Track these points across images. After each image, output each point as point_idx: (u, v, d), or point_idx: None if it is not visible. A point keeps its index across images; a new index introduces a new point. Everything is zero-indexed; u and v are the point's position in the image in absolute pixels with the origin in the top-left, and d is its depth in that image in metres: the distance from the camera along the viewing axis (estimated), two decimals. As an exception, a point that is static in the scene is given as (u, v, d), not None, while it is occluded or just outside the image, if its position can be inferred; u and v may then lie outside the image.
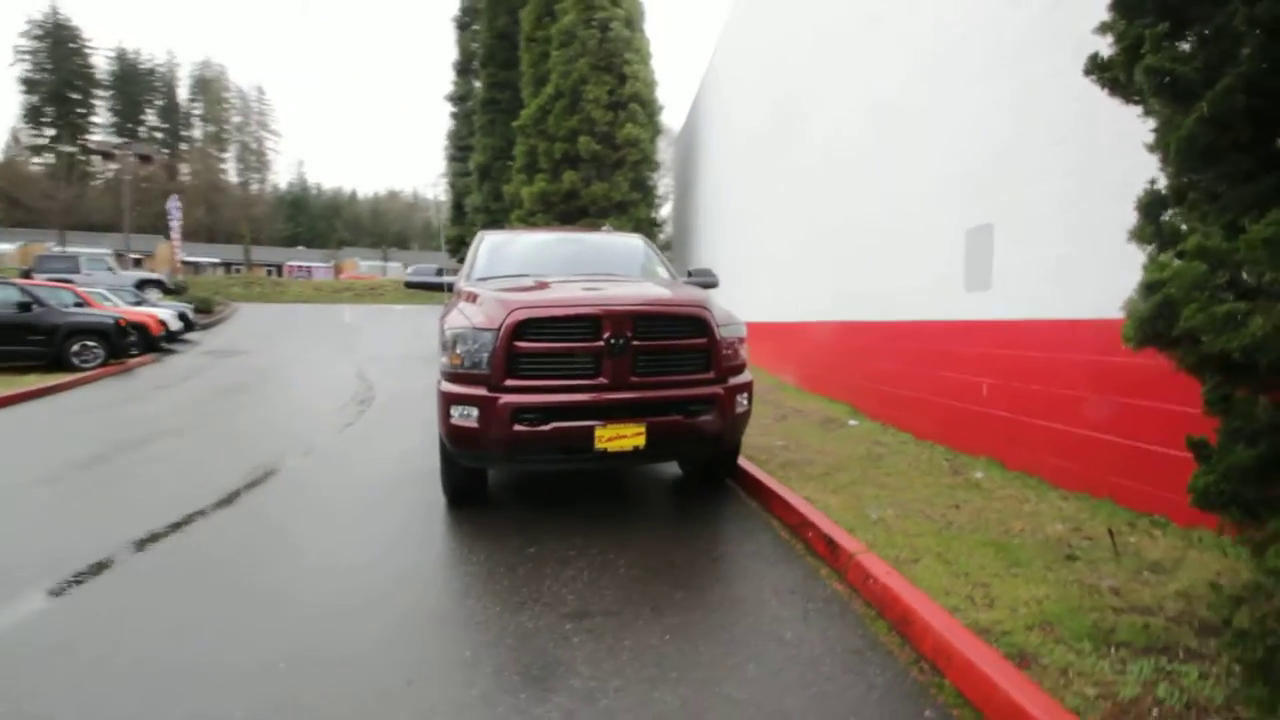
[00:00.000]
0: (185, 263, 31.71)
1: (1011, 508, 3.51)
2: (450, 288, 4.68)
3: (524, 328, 3.37)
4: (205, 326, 18.80)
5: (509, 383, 3.37)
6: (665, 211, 20.53)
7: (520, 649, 2.30)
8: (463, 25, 21.76)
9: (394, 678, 2.12)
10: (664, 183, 19.94)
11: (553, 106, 15.79)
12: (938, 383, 4.88)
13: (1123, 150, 2.99)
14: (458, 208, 21.96)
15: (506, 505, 4.05)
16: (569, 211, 15.96)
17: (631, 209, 16.13)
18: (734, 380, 3.77)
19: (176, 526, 3.59)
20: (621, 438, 3.41)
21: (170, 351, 13.50)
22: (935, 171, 4.98)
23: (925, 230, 5.05)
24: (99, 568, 3.01)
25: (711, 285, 4.77)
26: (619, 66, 15.43)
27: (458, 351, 3.50)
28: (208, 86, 63.97)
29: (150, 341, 12.23)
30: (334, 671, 2.16)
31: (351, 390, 9.29)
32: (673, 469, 4.80)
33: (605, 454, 3.43)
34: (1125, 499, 3.21)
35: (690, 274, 5.05)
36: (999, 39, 4.29)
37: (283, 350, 14.52)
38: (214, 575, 3.00)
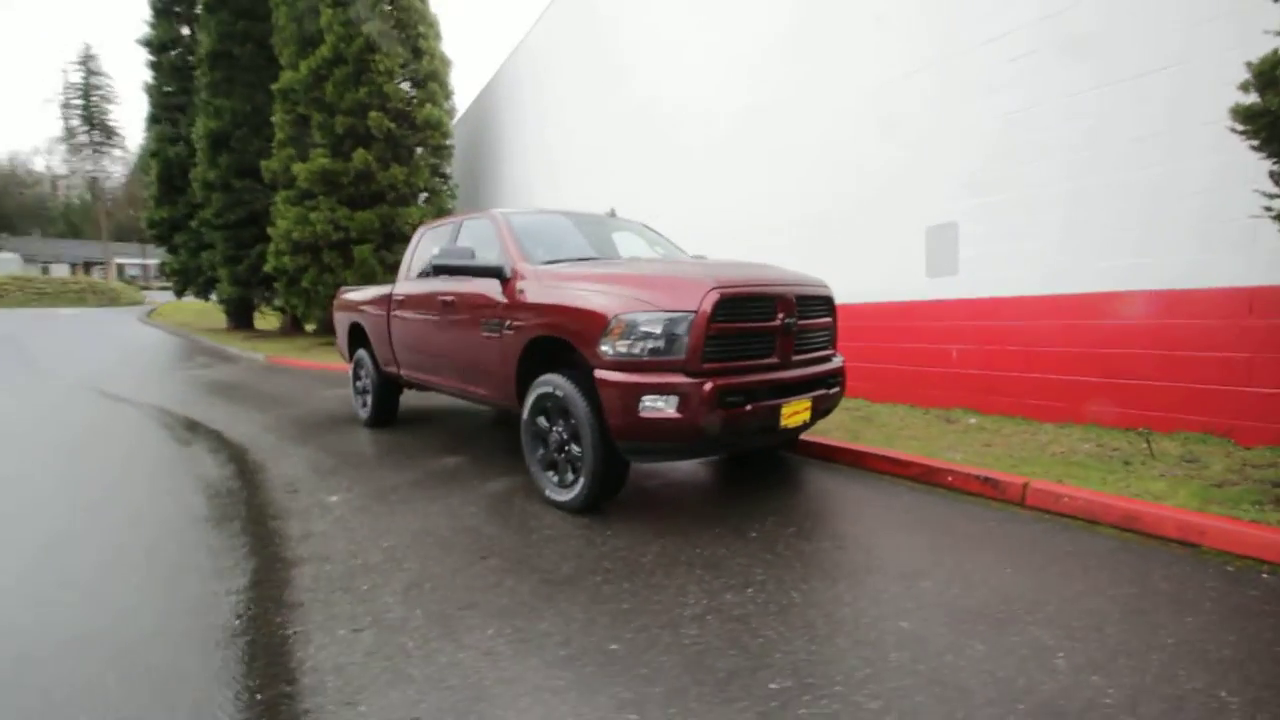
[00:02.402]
0: None
1: (1028, 440, 4.56)
2: (498, 273, 4.09)
3: (719, 308, 3.25)
4: None
5: (707, 366, 3.22)
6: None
7: (925, 609, 2.38)
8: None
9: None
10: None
11: (331, 73, 13.65)
12: (896, 354, 5.89)
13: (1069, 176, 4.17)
14: (167, 182, 17.17)
15: (633, 508, 3.76)
16: (359, 196, 14.03)
17: (434, 198, 14.89)
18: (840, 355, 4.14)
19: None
20: (797, 414, 3.54)
21: None
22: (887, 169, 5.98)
23: (879, 226, 6.02)
24: None
25: None
26: (414, 39, 14.07)
27: (633, 337, 3.19)
28: None
29: None
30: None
31: (157, 428, 7.01)
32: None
33: (785, 430, 3.53)
34: (1108, 421, 4.48)
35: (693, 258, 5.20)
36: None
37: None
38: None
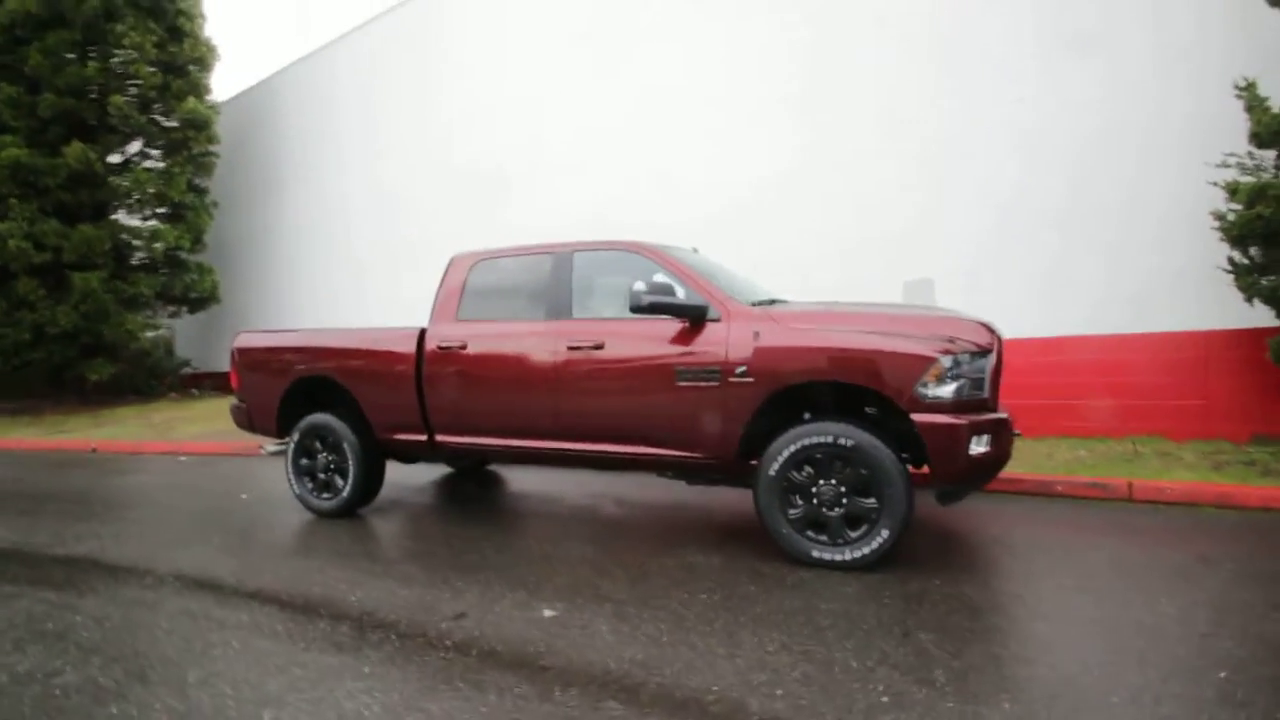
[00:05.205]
0: None
1: (1031, 451, 5.66)
2: (698, 313, 3.63)
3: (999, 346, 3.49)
4: None
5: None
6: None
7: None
8: None
9: None
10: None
11: (35, 36, 9.76)
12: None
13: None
14: None
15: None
16: (76, 205, 10.16)
17: (190, 215, 11.51)
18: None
19: None
20: (1001, 450, 3.93)
21: None
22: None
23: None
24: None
25: None
26: (170, 15, 10.94)
27: (954, 379, 3.22)
28: None
29: None
30: None
31: None
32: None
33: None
34: (1074, 432, 5.86)
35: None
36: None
37: None
38: None
